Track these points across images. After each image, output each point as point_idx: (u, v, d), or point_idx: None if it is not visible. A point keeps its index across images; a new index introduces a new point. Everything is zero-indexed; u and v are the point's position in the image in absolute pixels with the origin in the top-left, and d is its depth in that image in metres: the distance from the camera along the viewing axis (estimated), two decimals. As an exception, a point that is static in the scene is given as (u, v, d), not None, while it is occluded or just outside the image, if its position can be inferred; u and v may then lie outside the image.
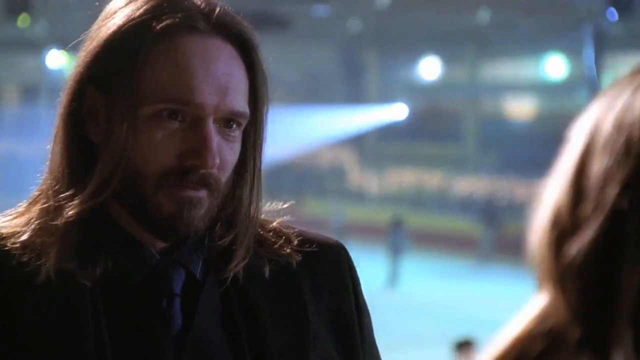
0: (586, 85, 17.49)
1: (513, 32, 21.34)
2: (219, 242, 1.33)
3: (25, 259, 1.29)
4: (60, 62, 20.56)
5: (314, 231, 1.43)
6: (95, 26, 1.34)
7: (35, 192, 1.35)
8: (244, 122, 1.32)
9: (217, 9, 1.32)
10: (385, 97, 26.30)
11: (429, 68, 26.07)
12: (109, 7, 1.34)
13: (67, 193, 1.30)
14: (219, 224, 1.33)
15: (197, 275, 1.33)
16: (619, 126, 0.80)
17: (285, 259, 1.37)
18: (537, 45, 22.48)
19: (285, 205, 1.40)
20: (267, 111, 1.35)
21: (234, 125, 1.31)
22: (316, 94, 28.00)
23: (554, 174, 0.84)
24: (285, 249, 1.38)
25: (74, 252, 1.29)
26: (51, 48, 20.56)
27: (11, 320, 1.27)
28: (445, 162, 25.46)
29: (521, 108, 26.37)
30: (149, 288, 1.31)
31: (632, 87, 0.81)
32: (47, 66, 21.62)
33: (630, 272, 0.78)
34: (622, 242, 0.78)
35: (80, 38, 1.36)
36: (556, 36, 20.87)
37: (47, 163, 1.35)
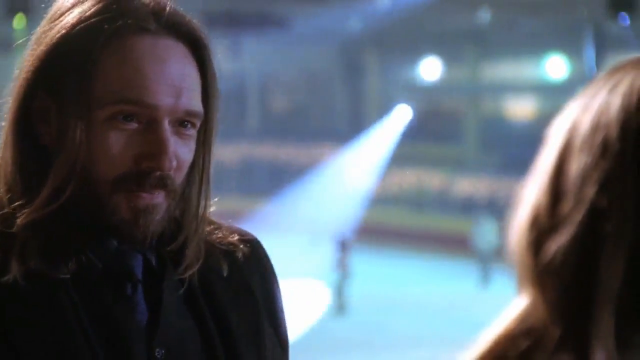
0: (587, 86, 17.45)
1: (513, 32, 21.36)
2: (170, 247, 1.33)
3: None
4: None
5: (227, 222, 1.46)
6: (41, 29, 1.33)
7: None
8: (199, 123, 1.32)
9: (167, 9, 1.32)
10: (385, 98, 26.32)
11: (430, 68, 26.10)
12: (56, 9, 1.33)
13: (20, 202, 1.29)
14: (168, 223, 1.33)
15: (153, 263, 1.33)
16: (596, 126, 0.81)
17: (226, 247, 1.39)
18: (537, 45, 22.50)
19: (215, 199, 1.41)
20: (217, 109, 1.35)
21: (189, 125, 1.31)
22: (316, 94, 28.04)
23: (532, 174, 0.85)
24: (234, 241, 1.40)
25: (37, 251, 1.28)
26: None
27: None
28: (446, 162, 25.48)
29: (522, 108, 26.39)
30: (112, 274, 1.31)
31: (609, 87, 0.82)
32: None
33: (610, 269, 0.78)
34: (601, 240, 0.79)
35: (25, 39, 1.35)
36: (557, 36, 20.89)
37: None
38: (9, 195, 1.31)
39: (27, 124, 1.31)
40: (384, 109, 25.96)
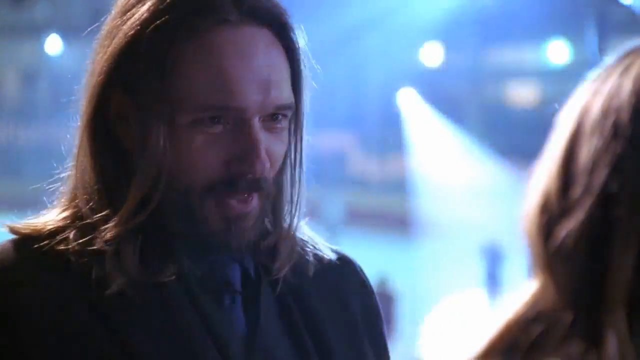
0: (590, 71, 17.40)
1: (515, 17, 21.30)
2: (265, 242, 1.26)
3: (83, 262, 1.20)
4: (60, 48, 20.56)
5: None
6: (112, 22, 1.23)
7: (63, 200, 1.25)
8: (290, 113, 1.23)
9: None
10: (387, 84, 26.26)
11: (431, 54, 26.03)
12: (123, 1, 1.22)
13: (104, 213, 1.20)
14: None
15: (251, 273, 1.26)
16: (606, 110, 0.80)
17: (323, 258, 1.31)
18: (539, 30, 22.45)
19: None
20: (308, 95, 1.26)
21: (280, 117, 1.22)
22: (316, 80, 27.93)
23: (543, 159, 0.84)
24: (323, 247, 1.32)
25: (134, 261, 1.20)
26: (51, 33, 20.53)
27: (105, 326, 1.19)
28: (447, 147, 25.43)
29: (523, 93, 26.36)
30: (211, 285, 1.24)
31: (619, 71, 0.81)
32: (47, 52, 21.60)
33: (622, 253, 0.77)
34: (612, 225, 0.78)
35: (89, 30, 1.26)
36: (558, 21, 20.84)
37: (74, 174, 1.24)
38: (90, 205, 1.21)
39: (104, 126, 1.22)
40: (385, 95, 25.90)
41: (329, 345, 1.28)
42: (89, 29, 1.29)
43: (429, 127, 23.72)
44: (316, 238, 1.33)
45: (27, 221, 1.26)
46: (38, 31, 20.92)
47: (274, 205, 1.25)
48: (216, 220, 1.20)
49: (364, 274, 1.39)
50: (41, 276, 1.21)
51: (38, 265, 1.21)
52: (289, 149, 1.25)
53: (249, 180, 1.19)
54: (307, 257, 1.30)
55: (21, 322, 1.18)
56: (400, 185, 25.28)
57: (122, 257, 1.20)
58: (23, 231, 1.24)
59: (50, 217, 1.25)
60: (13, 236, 1.25)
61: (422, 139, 23.65)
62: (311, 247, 1.31)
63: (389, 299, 12.80)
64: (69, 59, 18.29)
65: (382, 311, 1.39)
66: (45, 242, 1.21)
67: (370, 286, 1.39)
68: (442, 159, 23.19)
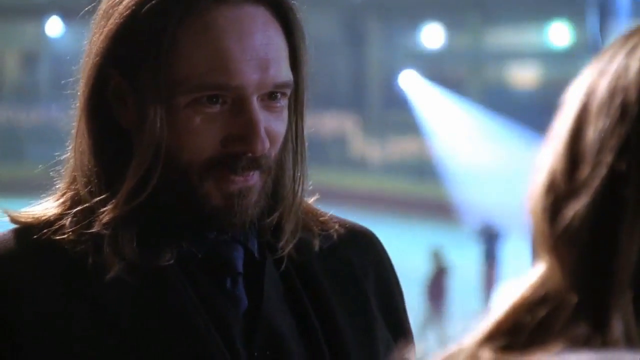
0: (591, 53, 17.40)
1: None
2: (268, 220, 1.25)
3: (80, 250, 1.20)
4: (60, 29, 20.53)
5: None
6: (106, 3, 1.23)
7: (63, 183, 1.25)
8: (289, 91, 1.23)
9: None
10: (388, 66, 26.24)
11: (432, 35, 25.99)
12: None
13: (103, 196, 1.20)
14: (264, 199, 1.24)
15: (255, 253, 1.25)
16: (613, 89, 0.79)
17: (331, 234, 1.31)
18: (540, 11, 22.41)
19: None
20: (307, 73, 1.26)
21: (279, 95, 1.22)
22: (317, 62, 27.93)
23: (548, 140, 0.84)
24: (330, 223, 1.32)
25: (132, 245, 1.19)
26: (51, 15, 20.50)
27: (103, 313, 1.19)
28: (448, 130, 25.42)
29: (524, 75, 26.33)
30: (212, 267, 1.23)
31: (626, 50, 0.80)
32: (48, 34, 21.57)
33: (630, 234, 0.77)
34: (620, 206, 0.77)
35: (87, 9, 1.26)
36: (560, 2, 20.81)
37: (73, 156, 1.24)
38: (89, 188, 1.21)
39: (102, 107, 1.21)
40: (386, 77, 25.89)
41: (335, 321, 1.27)
42: (88, 9, 1.28)
43: (436, 108, 23.63)
44: (324, 214, 1.32)
45: (27, 209, 1.25)
46: (39, 13, 20.89)
47: (277, 183, 1.25)
48: (217, 197, 1.20)
49: (382, 248, 1.37)
50: (38, 267, 1.21)
51: (36, 256, 1.21)
52: (289, 127, 1.25)
53: (248, 159, 1.19)
54: (312, 233, 1.29)
55: (18, 314, 1.18)
56: (403, 167, 25.27)
57: (120, 240, 1.19)
58: (23, 220, 1.24)
59: (50, 203, 1.25)
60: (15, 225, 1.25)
61: (430, 120, 23.56)
62: (317, 223, 1.30)
63: (441, 272, 12.83)
64: (70, 41, 18.28)
65: (396, 283, 1.37)
66: (43, 232, 1.21)
67: (388, 260, 1.37)
68: (452, 140, 23.08)
